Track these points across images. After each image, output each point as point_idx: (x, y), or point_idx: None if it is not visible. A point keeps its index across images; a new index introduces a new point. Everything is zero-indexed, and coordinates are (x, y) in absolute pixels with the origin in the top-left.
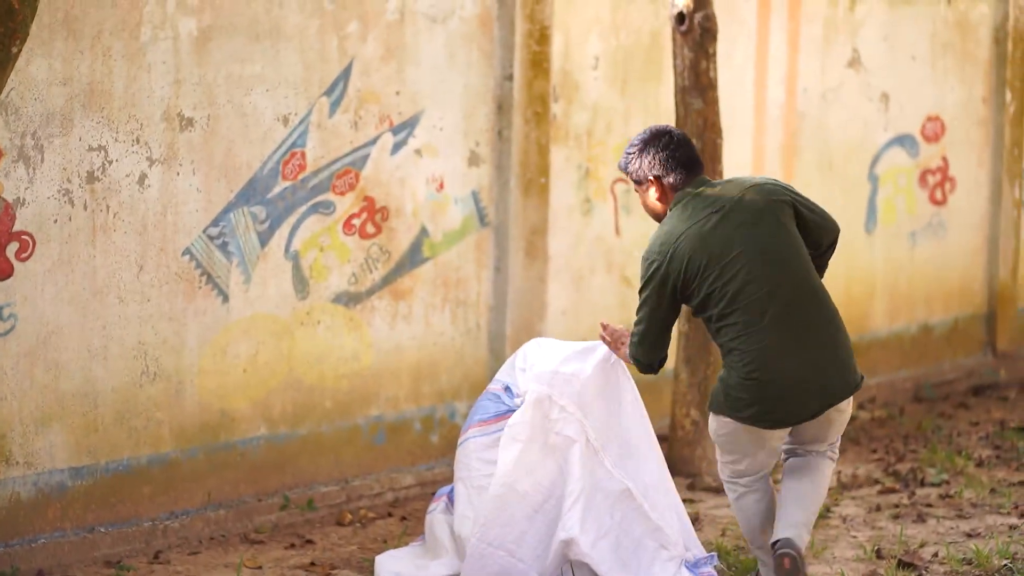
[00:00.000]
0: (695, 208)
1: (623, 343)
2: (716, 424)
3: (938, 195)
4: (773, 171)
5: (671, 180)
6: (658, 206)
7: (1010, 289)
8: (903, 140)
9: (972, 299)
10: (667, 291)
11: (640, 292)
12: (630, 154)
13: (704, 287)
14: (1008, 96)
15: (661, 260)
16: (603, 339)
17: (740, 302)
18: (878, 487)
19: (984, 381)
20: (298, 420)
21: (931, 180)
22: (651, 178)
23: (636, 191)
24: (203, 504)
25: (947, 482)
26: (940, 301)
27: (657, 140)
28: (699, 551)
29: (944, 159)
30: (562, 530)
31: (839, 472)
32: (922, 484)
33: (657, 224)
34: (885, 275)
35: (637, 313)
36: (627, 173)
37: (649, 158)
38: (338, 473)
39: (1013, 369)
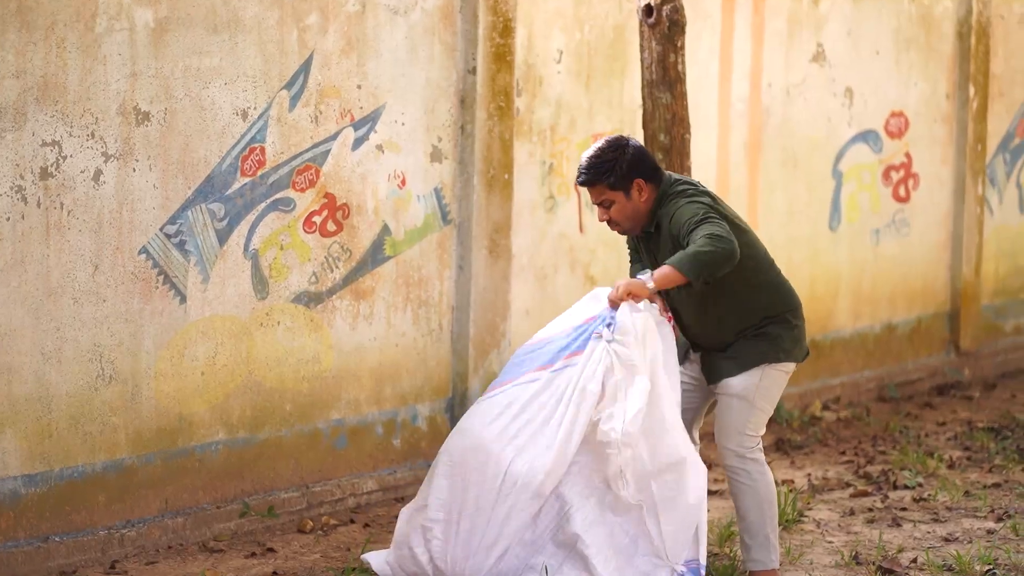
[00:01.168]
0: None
1: (637, 291)
2: (775, 377)
3: (901, 192)
4: (738, 167)
5: (657, 177)
6: (643, 208)
7: (973, 287)
8: (867, 136)
9: (935, 297)
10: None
11: (692, 203)
12: (609, 161)
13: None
14: (971, 91)
15: (708, 192)
16: (614, 302)
17: (762, 250)
18: (850, 490)
19: (948, 380)
20: (258, 424)
21: (895, 176)
22: (638, 179)
23: (606, 202)
24: (160, 512)
25: (920, 485)
26: (904, 299)
27: (627, 143)
28: (693, 557)
29: (908, 155)
30: (557, 500)
31: (809, 475)
32: (895, 487)
33: (625, 237)
34: (849, 273)
35: (699, 214)
36: (601, 184)
37: (629, 159)
38: (299, 479)
39: (977, 368)
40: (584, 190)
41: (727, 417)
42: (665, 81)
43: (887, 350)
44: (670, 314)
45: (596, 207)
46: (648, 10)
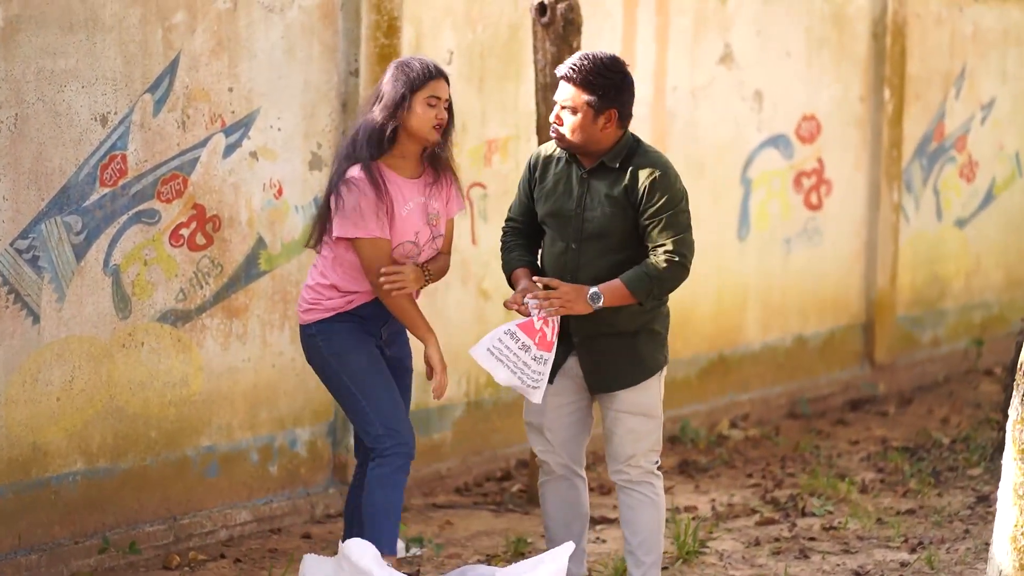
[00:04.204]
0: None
1: (580, 309)
2: (660, 383)
3: (813, 199)
4: None
5: (626, 123)
6: (598, 137)
7: (889, 297)
8: (777, 141)
9: (848, 308)
10: None
11: (681, 208)
12: (604, 77)
13: None
14: (887, 94)
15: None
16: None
17: None
18: (756, 517)
19: (862, 395)
20: (119, 453)
21: (806, 183)
22: (614, 109)
23: (571, 108)
24: (13, 548)
25: (830, 512)
26: (815, 311)
27: (628, 71)
28: None
29: (820, 161)
30: None
31: (713, 500)
32: (803, 513)
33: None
34: (758, 284)
35: (680, 220)
36: (581, 90)
37: (621, 87)
38: (165, 511)
39: (892, 382)
40: (476, 200)
41: (633, 437)
42: None
43: (798, 364)
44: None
45: (557, 107)
46: (542, 9)
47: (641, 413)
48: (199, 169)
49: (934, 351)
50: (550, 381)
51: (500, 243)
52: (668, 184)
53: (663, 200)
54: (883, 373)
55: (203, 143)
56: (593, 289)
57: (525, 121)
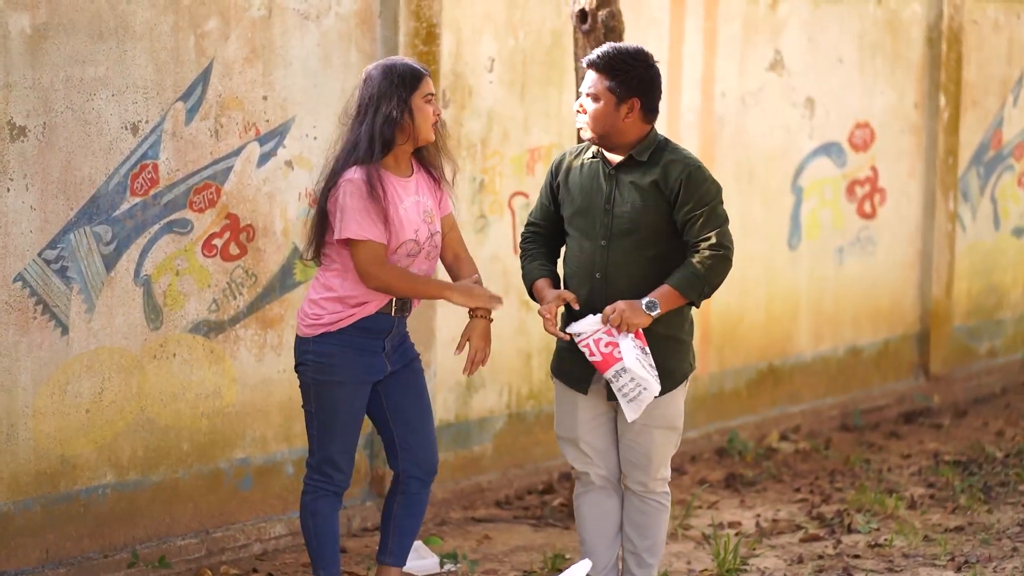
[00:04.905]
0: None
1: (642, 321)
2: (684, 392)
3: (867, 207)
4: None
5: (651, 116)
6: (620, 127)
7: (944, 307)
8: (829, 148)
9: (903, 318)
10: None
11: (719, 200)
12: (629, 65)
13: None
14: (942, 101)
15: None
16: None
17: None
18: (800, 533)
19: (916, 406)
20: (150, 465)
21: (859, 191)
22: (636, 99)
23: (594, 96)
24: (40, 562)
25: (877, 529)
26: (869, 321)
27: (655, 64)
28: None
29: (873, 169)
30: None
31: (758, 515)
32: (849, 530)
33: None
34: (809, 294)
35: (720, 213)
36: (605, 76)
37: (645, 76)
38: (197, 524)
39: (947, 393)
40: (518, 209)
41: (656, 449)
42: None
43: (851, 375)
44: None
45: (582, 96)
46: (582, 16)
47: (665, 426)
48: (232, 178)
49: (990, 362)
50: (585, 392)
51: (520, 248)
52: (703, 178)
53: (701, 194)
54: (938, 384)
55: (237, 152)
56: (646, 299)
57: (569, 129)
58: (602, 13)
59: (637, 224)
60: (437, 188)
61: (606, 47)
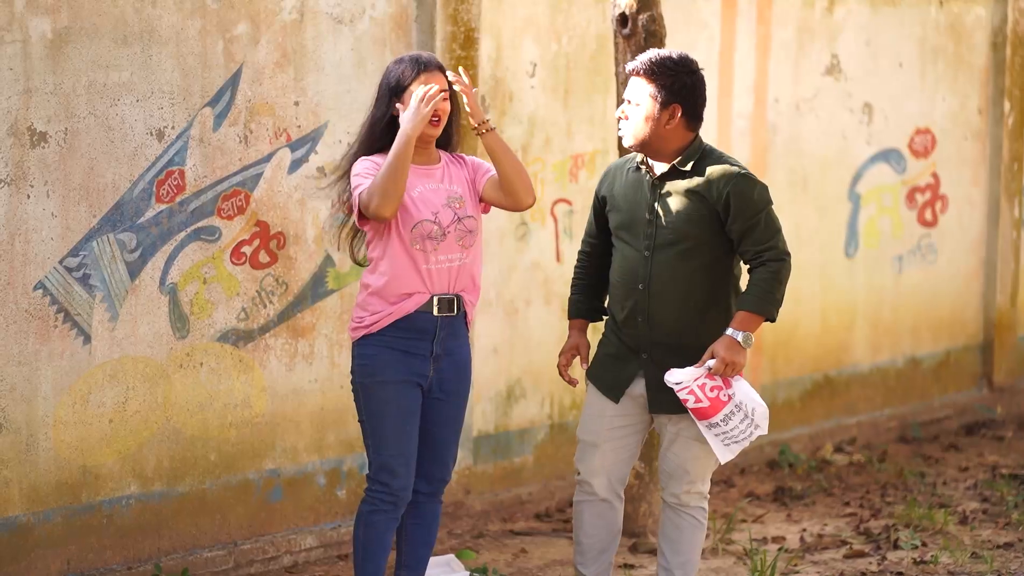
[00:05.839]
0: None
1: (742, 360)
2: None
3: (928, 215)
4: None
5: (694, 123)
6: (661, 133)
7: (1009, 317)
8: (888, 155)
9: (965, 328)
10: None
11: (769, 204)
12: (671, 71)
13: None
14: (1007, 106)
15: None
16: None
17: None
18: (845, 549)
19: (979, 418)
20: (176, 476)
21: (920, 199)
22: (678, 105)
23: (635, 101)
24: (62, 573)
25: (924, 544)
26: (929, 331)
27: (699, 71)
28: None
29: (935, 176)
30: None
31: (803, 530)
32: (895, 546)
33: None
34: (867, 303)
35: (774, 217)
36: (647, 80)
37: (687, 83)
38: (225, 535)
39: (1011, 404)
40: (561, 216)
41: (697, 462)
42: None
43: (911, 386)
44: None
45: (624, 103)
46: (623, 20)
47: (706, 439)
48: (262, 185)
49: None
50: (616, 400)
51: (574, 268)
52: (753, 183)
53: (751, 203)
54: (1002, 396)
55: (267, 158)
56: (739, 335)
57: (613, 135)
58: (643, 17)
59: (681, 235)
60: (469, 175)
61: (649, 53)
